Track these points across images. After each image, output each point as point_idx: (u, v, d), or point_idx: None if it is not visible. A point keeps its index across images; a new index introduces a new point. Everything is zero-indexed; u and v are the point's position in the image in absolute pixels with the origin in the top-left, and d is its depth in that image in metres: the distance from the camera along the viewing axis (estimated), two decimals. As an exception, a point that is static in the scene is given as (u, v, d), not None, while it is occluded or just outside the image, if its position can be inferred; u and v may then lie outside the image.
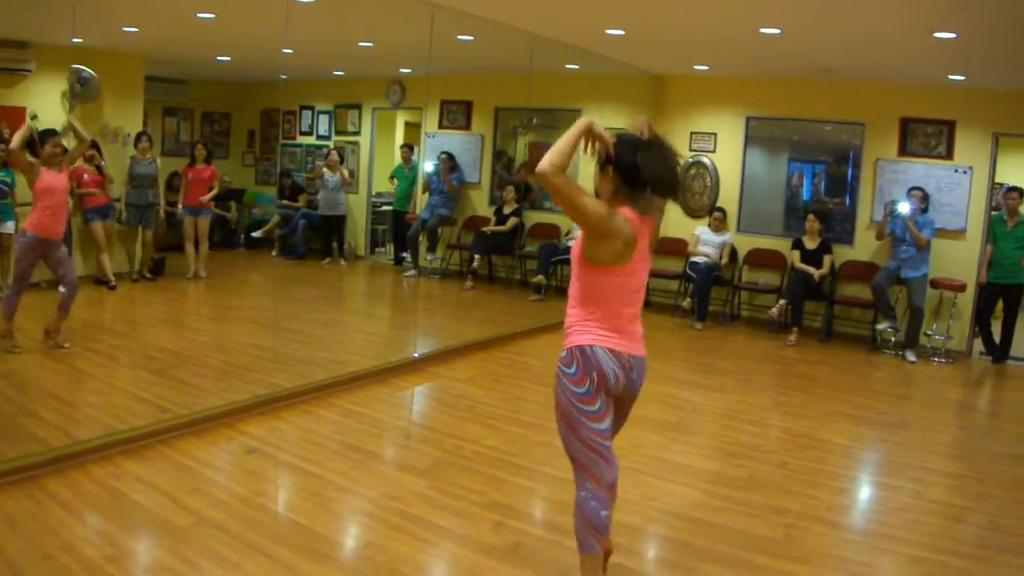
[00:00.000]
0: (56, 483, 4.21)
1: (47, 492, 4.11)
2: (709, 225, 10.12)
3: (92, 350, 6.71)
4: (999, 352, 8.89)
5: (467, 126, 12.08)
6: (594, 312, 3.23)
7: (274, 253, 12.42)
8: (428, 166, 11.88)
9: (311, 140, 13.46)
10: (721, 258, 9.95)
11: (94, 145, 7.98)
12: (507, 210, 11.29)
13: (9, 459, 4.32)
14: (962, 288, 8.85)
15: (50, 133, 6.29)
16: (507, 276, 11.74)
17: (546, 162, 3.06)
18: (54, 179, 6.19)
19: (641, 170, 3.15)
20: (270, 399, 5.70)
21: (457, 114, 12.13)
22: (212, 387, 5.96)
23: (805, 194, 10.29)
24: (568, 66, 10.22)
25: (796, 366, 8.34)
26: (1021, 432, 6.71)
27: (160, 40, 9.02)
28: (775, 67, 9.15)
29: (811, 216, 9.41)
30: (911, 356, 8.72)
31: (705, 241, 10.03)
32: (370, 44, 9.33)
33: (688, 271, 9.90)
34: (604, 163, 3.26)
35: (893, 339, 9.07)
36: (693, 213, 10.51)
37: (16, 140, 5.98)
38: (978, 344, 9.12)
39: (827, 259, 9.30)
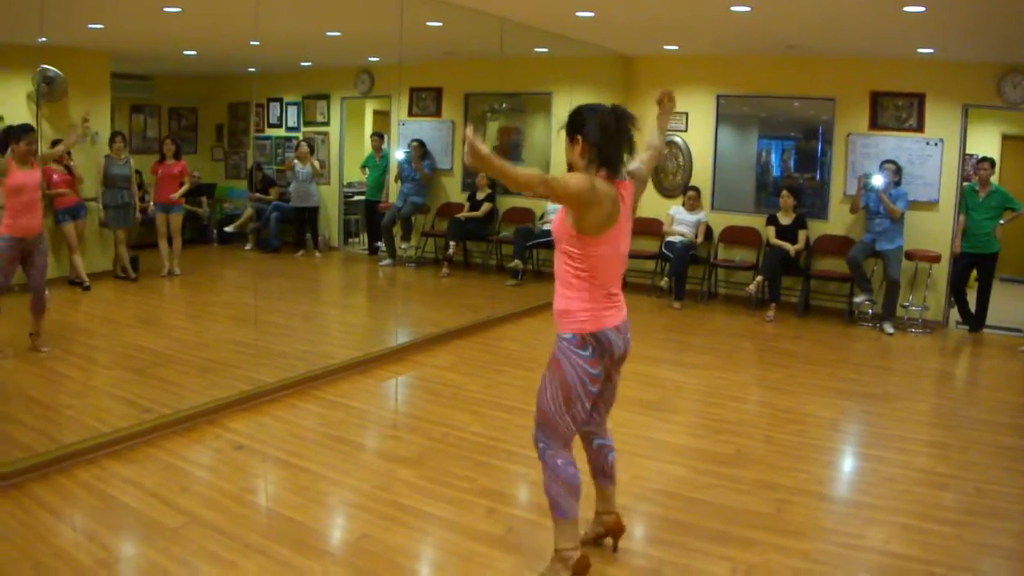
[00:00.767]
0: (43, 488, 4.17)
1: (34, 498, 4.06)
2: (683, 204, 10.14)
3: (71, 352, 6.63)
4: (975, 321, 8.98)
5: (438, 113, 12.03)
6: (590, 290, 3.31)
7: (247, 247, 12.33)
8: (400, 154, 11.82)
9: (280, 132, 13.36)
10: (696, 237, 9.97)
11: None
12: (480, 196, 11.27)
13: (-6, 466, 4.27)
14: (937, 259, 8.94)
15: (24, 130, 6.18)
16: (483, 262, 11.71)
17: (517, 186, 3.19)
18: (26, 176, 6.10)
19: (606, 134, 3.26)
20: (254, 394, 5.66)
21: (427, 101, 12.08)
22: (194, 385, 5.91)
23: (775, 170, 10.35)
24: (537, 50, 10.19)
25: (775, 341, 8.39)
26: (1000, 399, 6.80)
27: (126, 36, 8.89)
28: (745, 45, 9.17)
29: (785, 192, 9.45)
30: (889, 328, 8.79)
31: (680, 220, 10.04)
32: (338, 33, 9.26)
33: (664, 251, 9.92)
34: (573, 133, 3.34)
35: (870, 311, 9.14)
36: (667, 193, 10.54)
37: None
38: (954, 314, 9.23)
39: (802, 234, 9.35)
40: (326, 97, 12.84)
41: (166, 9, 7.34)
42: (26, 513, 3.91)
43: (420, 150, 11.56)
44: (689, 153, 10.42)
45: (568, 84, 10.69)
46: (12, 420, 5.10)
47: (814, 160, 9.99)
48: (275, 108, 13.38)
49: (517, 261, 10.45)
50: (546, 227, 10.41)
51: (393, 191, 11.95)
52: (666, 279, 9.73)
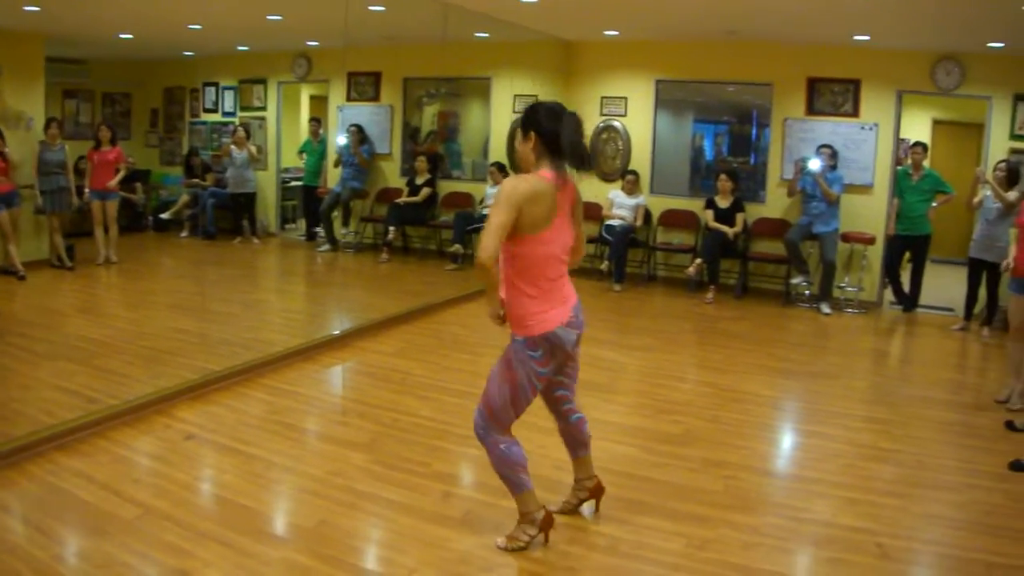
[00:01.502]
0: (-8, 484, 4.10)
1: (-17, 494, 3.99)
2: (622, 188, 10.22)
3: (11, 344, 6.47)
4: (909, 301, 9.22)
5: (376, 97, 11.96)
6: (535, 291, 3.44)
7: (183, 234, 12.15)
8: (341, 139, 11.73)
9: (216, 117, 13.17)
10: (636, 220, 10.06)
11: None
12: (420, 180, 11.23)
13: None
14: (872, 241, 9.17)
15: None
16: (422, 247, 11.70)
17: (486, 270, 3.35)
18: None
19: (561, 137, 3.36)
20: (201, 383, 5.60)
21: (366, 86, 11.99)
22: (140, 374, 5.82)
23: (708, 154, 10.51)
24: (477, 35, 10.18)
25: (716, 323, 8.52)
26: (935, 376, 7.02)
27: (63, 18, 8.69)
28: (685, 30, 9.28)
29: (723, 176, 9.58)
30: (825, 308, 8.99)
31: (619, 204, 10.13)
32: (280, 17, 9.15)
33: (604, 234, 9.99)
34: (527, 129, 3.46)
35: (807, 292, 9.34)
36: (606, 177, 10.62)
37: None
38: (888, 294, 9.48)
39: (740, 217, 9.50)
40: (263, 82, 12.68)
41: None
42: (-24, 510, 3.83)
43: (359, 135, 11.48)
44: (628, 137, 10.51)
45: (508, 69, 10.72)
46: (-47, 415, 4.99)
47: (748, 144, 10.16)
48: (211, 93, 13.17)
49: (457, 246, 10.47)
50: (485, 211, 10.44)
51: (332, 176, 11.87)
52: (606, 262, 9.82)
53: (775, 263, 9.65)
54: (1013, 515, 4.18)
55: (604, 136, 10.60)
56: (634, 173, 10.20)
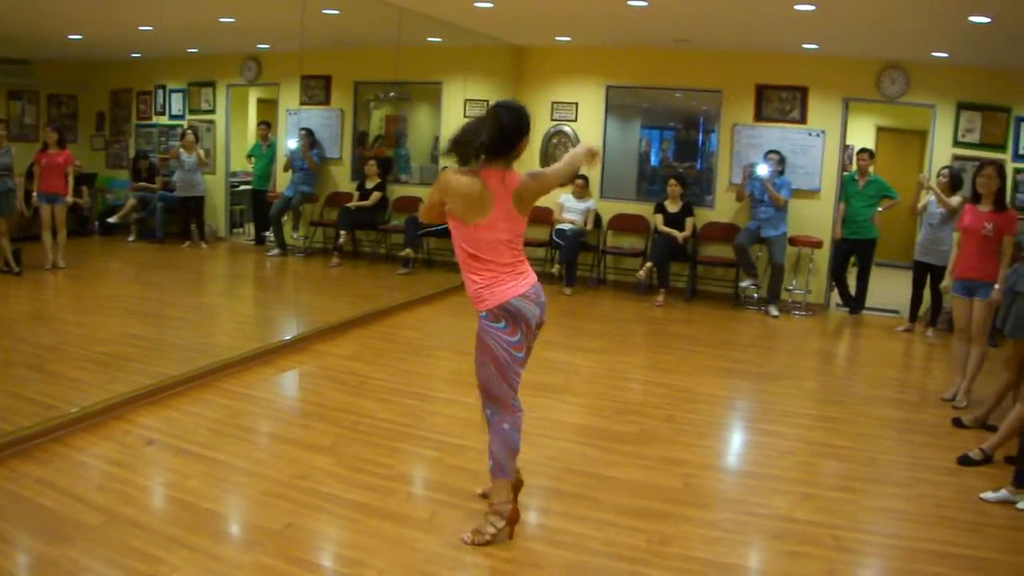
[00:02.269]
0: (-50, 493, 4.02)
1: (-57, 504, 3.92)
2: (572, 193, 10.30)
3: (-40, 351, 6.38)
4: (855, 303, 9.44)
5: (327, 101, 11.92)
6: (486, 272, 3.65)
7: (131, 238, 11.97)
8: (291, 143, 11.67)
9: (164, 120, 13.01)
10: (586, 224, 10.15)
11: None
12: (370, 184, 11.20)
13: None
14: (819, 245, 9.37)
15: None
16: (372, 251, 11.68)
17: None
18: None
19: (496, 127, 3.59)
20: (158, 388, 5.55)
21: (316, 89, 11.95)
22: (96, 380, 5.73)
23: (653, 159, 10.65)
24: (430, 39, 10.21)
25: (667, 325, 8.64)
26: (883, 375, 7.20)
27: (7, 18, 8.54)
28: (637, 37, 9.39)
29: (672, 180, 9.71)
30: (774, 310, 9.16)
31: (569, 208, 10.21)
32: (232, 20, 9.10)
33: (555, 238, 10.07)
34: None
35: (756, 295, 9.51)
36: (557, 181, 10.67)
37: None
38: (835, 297, 9.69)
39: (689, 222, 9.63)
40: (212, 84, 12.57)
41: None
42: (-64, 519, 3.77)
43: (308, 139, 11.44)
44: (578, 142, 10.57)
45: (460, 74, 10.75)
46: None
47: (694, 150, 10.32)
48: (159, 95, 13.03)
49: (409, 250, 10.47)
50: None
51: (281, 180, 11.80)
52: (557, 266, 9.91)
53: (724, 267, 9.80)
54: (961, 507, 4.35)
55: (555, 141, 10.69)
56: (584, 177, 10.27)
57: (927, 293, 8.53)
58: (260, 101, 14.14)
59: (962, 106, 9.02)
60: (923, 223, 8.39)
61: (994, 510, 4.32)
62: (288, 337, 7.15)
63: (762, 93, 9.69)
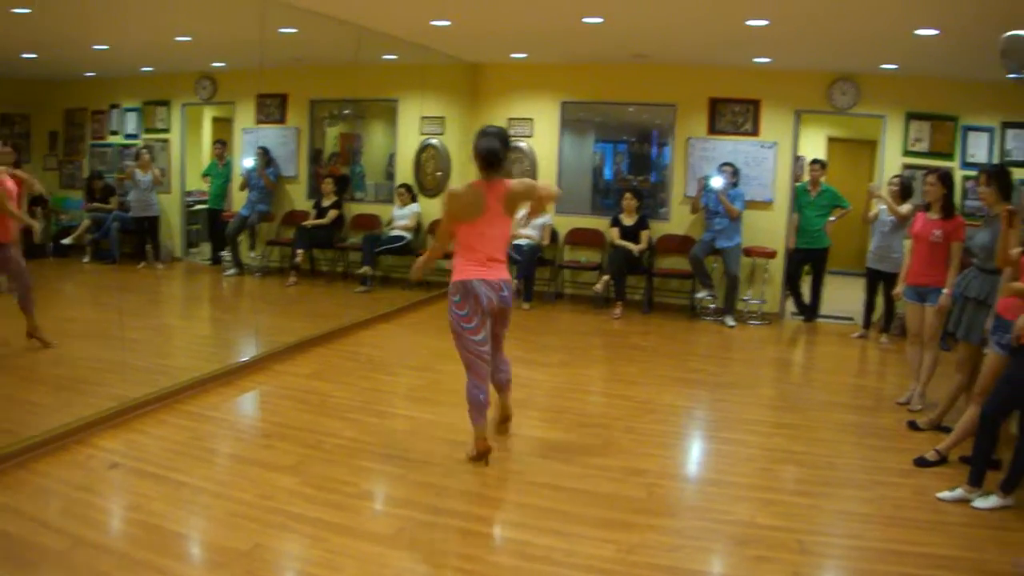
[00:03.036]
0: (-89, 520, 3.96)
1: (-97, 532, 3.85)
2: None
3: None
4: (809, 312, 9.59)
5: (282, 119, 11.89)
6: (467, 256, 4.60)
7: (85, 259, 11.84)
8: (247, 162, 11.61)
9: (119, 140, 12.90)
10: (543, 239, 10.18)
11: None
12: (327, 203, 11.18)
13: None
14: (772, 255, 9.52)
15: None
16: (329, 270, 11.65)
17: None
18: None
19: (475, 150, 4.62)
20: (120, 411, 5.49)
21: (272, 108, 11.91)
22: (56, 404, 5.66)
23: (607, 173, 10.75)
24: (385, 56, 10.22)
25: (625, 338, 8.70)
26: (838, 381, 7.34)
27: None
28: (592, 53, 9.47)
29: (628, 194, 9.80)
30: (730, 321, 9.27)
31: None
32: (189, 38, 9.05)
33: (512, 254, 10.07)
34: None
35: (712, 306, 9.61)
36: (514, 197, 10.72)
37: None
38: (790, 306, 9.82)
39: (644, 235, 9.72)
40: (166, 103, 12.49)
41: (15, 10, 7.02)
42: None
43: (264, 157, 11.40)
44: (535, 158, 10.67)
45: (416, 91, 10.78)
46: None
47: (648, 163, 10.44)
48: (114, 114, 12.92)
49: (366, 267, 10.45)
50: (394, 233, 10.50)
51: (237, 200, 11.74)
52: (515, 281, 9.90)
53: (680, 278, 9.90)
54: (919, 507, 4.46)
55: (512, 156, 10.72)
56: (541, 193, 10.32)
57: (880, 300, 8.69)
58: (215, 120, 14.04)
59: (911, 116, 9.23)
60: (875, 231, 8.52)
61: (951, 509, 4.44)
62: (248, 357, 7.12)
63: (715, 106, 9.83)
